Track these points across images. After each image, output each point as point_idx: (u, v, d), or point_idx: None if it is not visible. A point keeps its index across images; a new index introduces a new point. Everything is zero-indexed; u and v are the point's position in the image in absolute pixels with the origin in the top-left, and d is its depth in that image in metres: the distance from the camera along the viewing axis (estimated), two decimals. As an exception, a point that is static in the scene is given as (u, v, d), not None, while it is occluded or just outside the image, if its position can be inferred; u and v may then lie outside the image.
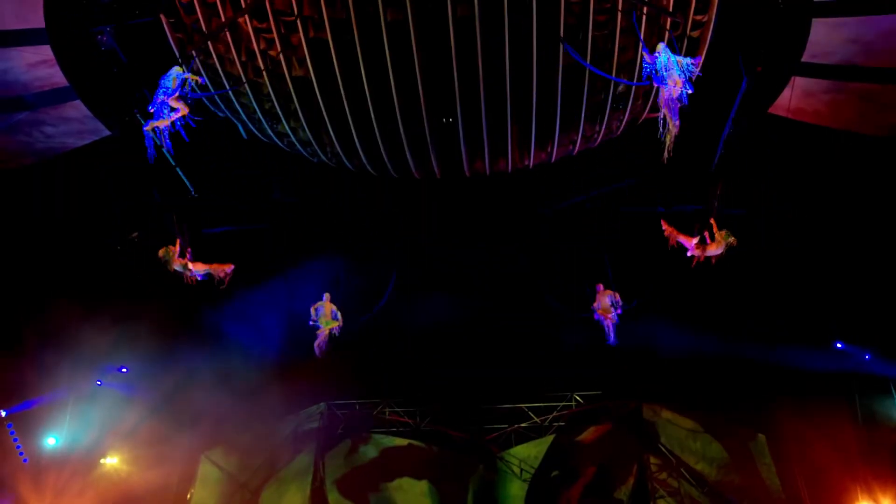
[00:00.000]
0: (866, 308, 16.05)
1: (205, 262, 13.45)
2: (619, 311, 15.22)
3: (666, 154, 10.48)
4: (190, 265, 13.27)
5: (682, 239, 13.03)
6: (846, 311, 16.53)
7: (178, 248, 13.23)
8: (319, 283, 16.15)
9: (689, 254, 13.06)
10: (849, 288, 15.95)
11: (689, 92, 9.97)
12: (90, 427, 16.92)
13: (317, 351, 15.44)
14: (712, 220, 12.98)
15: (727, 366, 17.16)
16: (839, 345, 17.08)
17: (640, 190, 15.11)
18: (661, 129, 10.31)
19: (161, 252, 13.18)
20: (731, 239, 12.82)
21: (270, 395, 17.96)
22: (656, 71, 10.04)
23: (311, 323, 15.38)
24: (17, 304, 15.08)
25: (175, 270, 13.22)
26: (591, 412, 19.69)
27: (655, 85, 10.13)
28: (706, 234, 12.96)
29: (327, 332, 15.36)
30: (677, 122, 10.09)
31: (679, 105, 10.02)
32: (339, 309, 15.49)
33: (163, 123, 10.41)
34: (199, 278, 13.39)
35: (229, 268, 13.46)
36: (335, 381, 18.85)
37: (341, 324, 15.45)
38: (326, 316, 15.37)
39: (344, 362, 17.73)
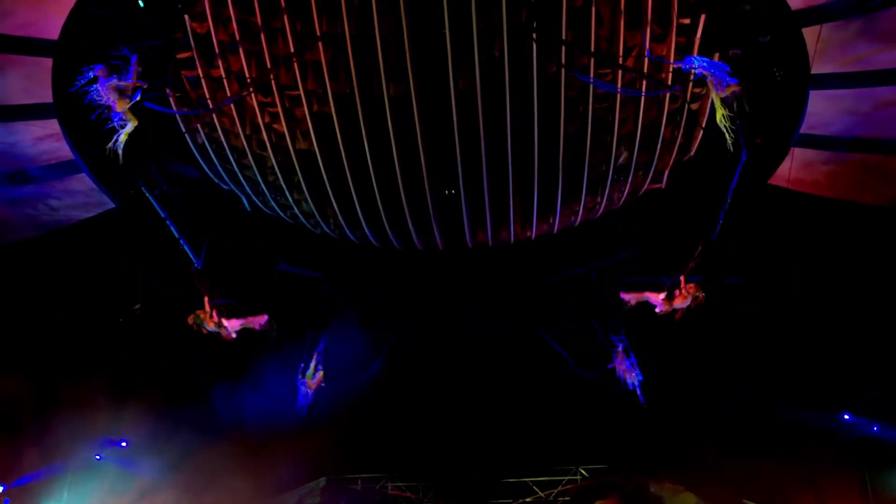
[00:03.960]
0: (873, 378, 15.93)
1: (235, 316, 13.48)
2: (639, 374, 15.15)
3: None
4: (224, 322, 13.24)
5: (648, 296, 13.12)
6: (852, 382, 16.41)
7: (207, 309, 13.21)
8: (320, 356, 16.09)
9: (657, 310, 13.13)
10: (854, 358, 15.85)
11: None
12: (89, 502, 16.67)
13: (301, 408, 15.31)
14: (682, 277, 13.04)
15: (734, 439, 16.97)
16: (847, 416, 16.93)
17: (642, 260, 15.13)
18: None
19: (191, 319, 13.17)
20: (700, 294, 12.89)
21: (272, 469, 17.75)
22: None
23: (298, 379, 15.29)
24: (17, 376, 14.99)
25: (210, 332, 13.18)
26: (597, 486, 19.44)
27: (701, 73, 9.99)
28: (675, 290, 13.02)
29: (311, 388, 15.24)
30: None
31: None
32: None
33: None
34: (234, 335, 13.37)
35: (263, 318, 13.45)
36: (336, 456, 18.66)
37: (323, 383, 15.30)
38: (311, 371, 15.28)
39: (345, 436, 17.60)
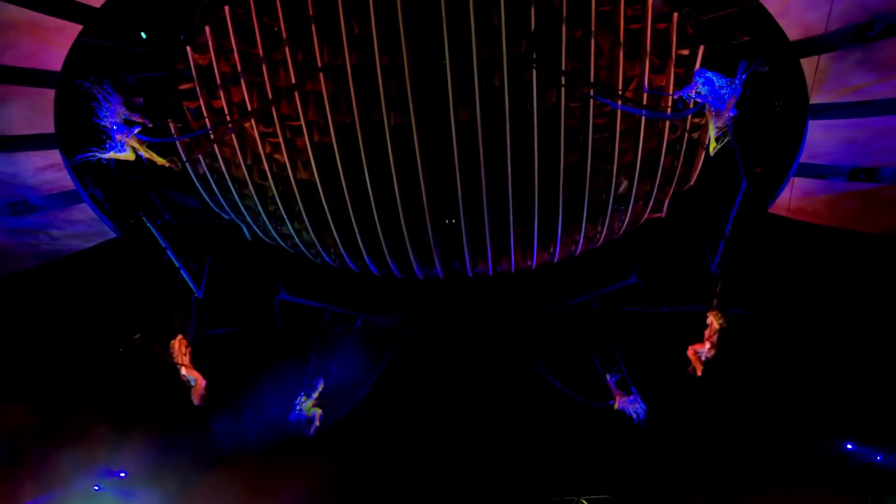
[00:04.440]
0: (876, 406, 15.88)
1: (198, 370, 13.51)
2: (641, 405, 15.11)
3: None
4: (184, 369, 13.28)
5: (697, 349, 13.18)
6: (854, 410, 16.35)
7: (179, 343, 13.26)
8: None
9: (703, 358, 13.18)
10: (856, 385, 15.80)
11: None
12: (87, 533, 16.58)
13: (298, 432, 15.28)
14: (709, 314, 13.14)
15: (738, 468, 16.90)
16: (849, 445, 16.85)
17: (642, 290, 15.13)
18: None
19: (173, 342, 13.18)
20: (721, 321, 12.95)
21: (269, 500, 17.64)
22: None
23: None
24: (16, 406, 14.94)
25: (175, 364, 13.21)
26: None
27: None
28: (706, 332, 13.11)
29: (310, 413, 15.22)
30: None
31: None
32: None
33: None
34: (188, 382, 13.41)
35: (203, 384, 13.47)
36: (332, 486, 18.53)
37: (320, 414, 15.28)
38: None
39: (340, 466, 17.51)
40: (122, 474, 17.18)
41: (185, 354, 13.40)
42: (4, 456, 14.90)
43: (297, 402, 15.29)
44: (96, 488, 16.90)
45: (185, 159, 12.04)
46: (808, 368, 15.71)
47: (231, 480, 17.20)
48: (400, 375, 16.61)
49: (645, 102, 11.44)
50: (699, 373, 13.30)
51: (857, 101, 11.52)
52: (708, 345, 13.17)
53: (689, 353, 13.33)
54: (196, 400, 13.64)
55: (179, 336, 13.48)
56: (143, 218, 13.14)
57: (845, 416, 16.49)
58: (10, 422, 14.59)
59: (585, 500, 19.44)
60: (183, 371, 13.37)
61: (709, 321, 13.19)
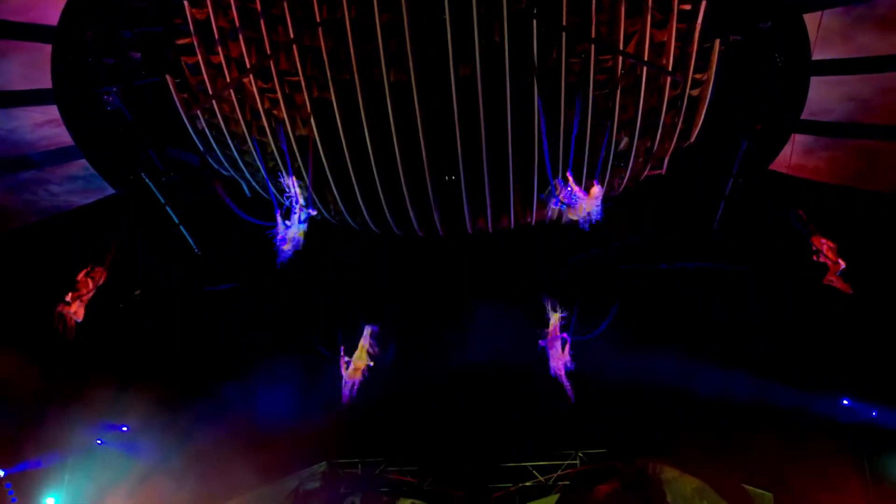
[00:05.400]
0: (872, 363, 15.96)
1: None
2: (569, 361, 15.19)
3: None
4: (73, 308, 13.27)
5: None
6: (852, 367, 16.43)
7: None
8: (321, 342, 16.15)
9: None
10: (854, 342, 15.87)
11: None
12: (90, 487, 16.74)
13: (347, 395, 15.31)
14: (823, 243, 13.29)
15: (734, 423, 17.01)
16: (846, 401, 16.96)
17: (643, 247, 15.14)
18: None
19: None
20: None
21: (272, 454, 17.81)
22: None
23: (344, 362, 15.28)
24: (18, 361, 15.02)
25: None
26: (597, 471, 19.47)
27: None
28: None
29: (360, 370, 15.22)
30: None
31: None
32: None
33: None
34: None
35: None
36: (337, 440, 18.71)
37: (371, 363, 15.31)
38: (361, 352, 15.25)
39: (346, 421, 17.62)
40: (125, 429, 17.33)
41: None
42: (7, 412, 15.01)
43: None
44: (99, 442, 17.06)
45: (183, 115, 12.04)
46: (806, 325, 15.78)
47: (233, 435, 17.36)
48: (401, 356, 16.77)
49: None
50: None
51: (860, 57, 11.46)
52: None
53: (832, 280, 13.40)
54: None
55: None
56: (142, 174, 13.11)
57: (843, 373, 16.58)
58: (12, 378, 14.68)
59: (583, 454, 19.65)
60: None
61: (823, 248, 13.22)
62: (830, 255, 13.11)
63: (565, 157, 11.90)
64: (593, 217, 11.72)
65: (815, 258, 13.25)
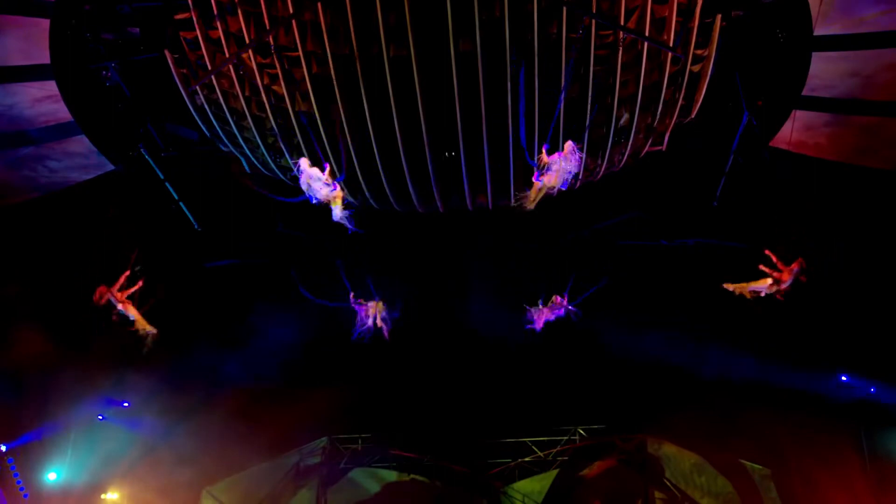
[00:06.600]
0: (871, 340, 15.98)
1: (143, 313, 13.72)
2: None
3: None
4: (120, 304, 13.32)
5: (753, 287, 13.26)
6: (851, 343, 16.46)
7: (122, 281, 13.39)
8: (322, 315, 16.16)
9: (762, 294, 13.42)
10: (854, 319, 15.88)
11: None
12: (91, 462, 16.83)
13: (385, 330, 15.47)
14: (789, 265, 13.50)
15: (733, 400, 17.06)
16: (844, 377, 17.00)
17: (643, 223, 15.12)
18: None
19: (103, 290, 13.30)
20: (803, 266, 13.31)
21: (273, 429, 17.90)
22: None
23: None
24: (19, 337, 15.05)
25: (108, 302, 13.28)
26: (595, 447, 19.60)
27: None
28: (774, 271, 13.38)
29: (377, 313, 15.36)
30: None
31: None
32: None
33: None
34: (129, 318, 13.49)
35: (153, 330, 13.57)
36: (337, 416, 18.80)
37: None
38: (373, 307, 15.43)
39: (346, 396, 17.70)
40: (126, 404, 17.40)
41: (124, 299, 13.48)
42: (8, 386, 15.06)
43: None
44: (100, 418, 17.13)
45: (182, 91, 11.98)
46: (805, 301, 15.78)
47: (234, 410, 17.45)
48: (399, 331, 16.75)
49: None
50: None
51: (862, 32, 11.39)
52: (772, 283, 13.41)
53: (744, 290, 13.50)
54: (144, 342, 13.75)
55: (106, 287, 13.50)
56: (142, 150, 13.06)
57: (840, 349, 16.62)
58: (13, 352, 14.72)
59: (582, 429, 19.75)
60: (116, 309, 13.42)
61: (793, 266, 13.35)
62: (786, 273, 13.28)
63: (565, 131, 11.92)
64: (571, 173, 11.80)
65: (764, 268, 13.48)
